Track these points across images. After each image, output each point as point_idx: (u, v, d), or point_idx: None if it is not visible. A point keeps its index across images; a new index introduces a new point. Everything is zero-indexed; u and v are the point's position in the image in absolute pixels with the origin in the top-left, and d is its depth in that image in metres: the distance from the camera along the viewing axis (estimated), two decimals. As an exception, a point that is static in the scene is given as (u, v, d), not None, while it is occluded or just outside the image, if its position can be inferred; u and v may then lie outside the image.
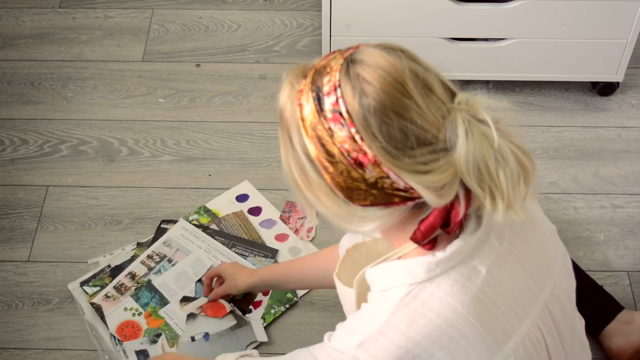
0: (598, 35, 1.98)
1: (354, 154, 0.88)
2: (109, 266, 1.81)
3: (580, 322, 1.32)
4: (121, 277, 1.77)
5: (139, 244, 1.84)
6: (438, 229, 0.93)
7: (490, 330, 0.96)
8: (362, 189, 0.90)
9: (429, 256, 0.95)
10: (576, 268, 1.70)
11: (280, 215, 1.91)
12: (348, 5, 1.93)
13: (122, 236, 1.88)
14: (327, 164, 0.90)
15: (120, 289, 1.75)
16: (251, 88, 2.19)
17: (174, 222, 1.88)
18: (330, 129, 0.88)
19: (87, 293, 1.76)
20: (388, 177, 0.88)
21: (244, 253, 1.83)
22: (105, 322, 1.70)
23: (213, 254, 1.82)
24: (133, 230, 1.89)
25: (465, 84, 2.18)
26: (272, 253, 1.83)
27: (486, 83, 2.18)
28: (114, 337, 1.70)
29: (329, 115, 0.88)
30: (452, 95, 0.91)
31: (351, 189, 0.90)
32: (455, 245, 0.95)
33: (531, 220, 1.04)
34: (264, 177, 1.99)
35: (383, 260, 1.01)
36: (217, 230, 1.88)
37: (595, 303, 1.67)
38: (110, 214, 1.93)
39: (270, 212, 1.92)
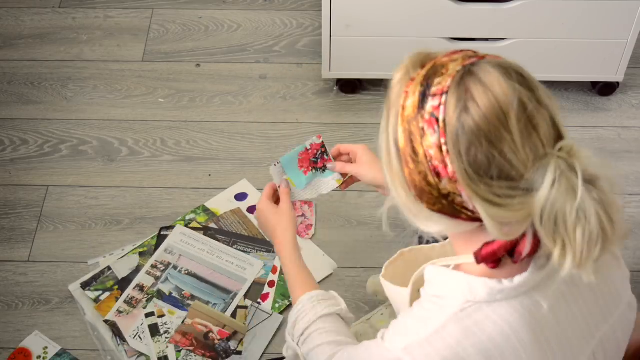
0: (598, 35, 1.98)
1: (435, 162, 0.88)
2: (108, 268, 1.81)
3: None
4: (130, 291, 1.76)
5: (141, 254, 1.83)
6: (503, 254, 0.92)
7: None
8: (434, 195, 0.90)
9: (495, 281, 0.94)
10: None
11: None
12: (348, 5, 1.93)
13: (122, 236, 1.88)
14: (409, 159, 0.90)
15: (131, 303, 1.74)
16: (251, 88, 2.19)
17: (173, 228, 1.88)
18: (423, 129, 0.88)
19: (90, 298, 1.76)
20: (460, 195, 0.88)
21: (245, 249, 1.84)
22: (125, 340, 1.69)
23: (217, 255, 1.82)
24: (133, 230, 1.89)
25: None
26: (273, 248, 1.84)
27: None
28: (116, 337, 1.70)
29: (426, 116, 0.88)
30: (559, 137, 0.88)
31: (424, 191, 0.91)
32: (523, 277, 0.93)
33: (602, 263, 1.00)
34: (263, 177, 1.99)
35: (445, 262, 1.00)
36: (217, 228, 1.88)
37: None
38: (110, 214, 1.93)
39: (270, 212, 1.92)
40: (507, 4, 1.92)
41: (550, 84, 2.17)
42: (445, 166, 0.87)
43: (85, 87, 2.19)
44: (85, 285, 1.78)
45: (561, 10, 1.93)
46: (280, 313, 1.75)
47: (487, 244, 0.92)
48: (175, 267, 1.80)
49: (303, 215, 1.91)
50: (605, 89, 2.14)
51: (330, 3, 1.92)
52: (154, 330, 1.70)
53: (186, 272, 1.79)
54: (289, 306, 1.76)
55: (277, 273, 1.80)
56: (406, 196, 0.93)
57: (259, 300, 1.76)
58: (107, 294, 1.76)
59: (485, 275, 0.95)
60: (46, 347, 1.69)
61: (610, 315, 1.02)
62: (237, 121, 2.12)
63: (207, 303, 1.74)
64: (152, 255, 1.82)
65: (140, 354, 1.67)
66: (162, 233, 1.86)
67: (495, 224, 0.87)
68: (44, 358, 1.68)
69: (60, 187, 1.98)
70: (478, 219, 0.90)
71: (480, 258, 0.93)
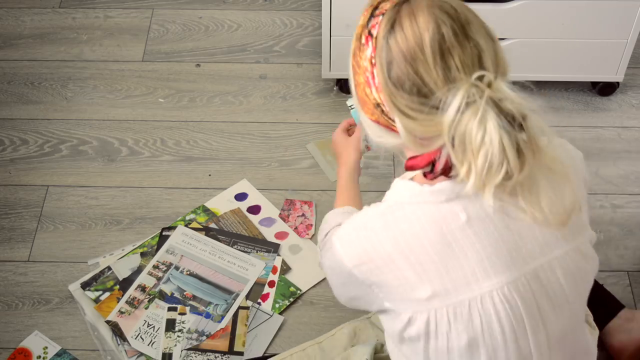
0: (598, 35, 1.98)
1: (367, 74, 1.01)
2: (108, 268, 1.81)
3: (593, 333, 1.30)
4: (131, 291, 1.76)
5: (142, 255, 1.83)
6: (428, 168, 1.01)
7: (448, 269, 1.01)
8: (370, 105, 1.03)
9: (417, 184, 1.04)
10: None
11: (280, 214, 1.91)
12: (348, 5, 1.93)
13: (122, 236, 1.88)
14: (356, 69, 1.04)
15: (133, 303, 1.74)
16: (251, 88, 2.19)
17: (175, 228, 1.88)
18: (364, 44, 1.02)
19: (89, 298, 1.76)
20: (384, 105, 1.00)
21: (246, 249, 1.84)
22: (127, 341, 1.69)
23: (219, 255, 1.82)
24: (133, 230, 1.89)
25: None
26: (274, 248, 1.84)
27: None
28: (116, 337, 1.70)
29: (366, 32, 1.02)
30: (483, 70, 0.96)
31: (365, 102, 1.04)
32: (443, 184, 1.01)
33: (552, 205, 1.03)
34: (263, 177, 1.99)
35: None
36: (217, 229, 1.88)
37: (596, 301, 1.67)
38: (110, 214, 1.93)
39: (269, 210, 1.92)
40: (507, 4, 1.92)
41: (550, 84, 2.18)
42: (374, 77, 1.00)
43: (85, 87, 2.20)
44: (85, 286, 1.78)
45: (561, 10, 1.93)
46: (280, 313, 1.75)
47: (412, 157, 1.02)
48: (177, 268, 1.80)
49: (303, 215, 1.91)
50: (606, 89, 2.14)
51: (330, 3, 1.92)
52: (170, 325, 1.71)
53: (188, 272, 1.79)
54: (289, 306, 1.76)
55: (277, 273, 1.81)
56: (359, 107, 1.07)
57: (259, 300, 1.76)
58: (107, 294, 1.76)
59: (417, 181, 1.05)
60: (46, 347, 1.70)
61: (549, 251, 1.06)
62: (237, 121, 2.12)
63: (209, 303, 1.74)
64: (153, 255, 1.82)
65: (141, 354, 1.67)
66: (163, 233, 1.86)
67: (409, 135, 0.99)
68: (44, 358, 1.68)
69: (60, 187, 1.98)
70: None
71: (406, 167, 1.03)
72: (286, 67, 2.24)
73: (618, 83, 2.13)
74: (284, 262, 1.83)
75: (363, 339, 1.57)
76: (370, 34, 1.01)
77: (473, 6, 2.02)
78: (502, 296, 1.02)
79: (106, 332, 1.71)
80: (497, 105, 0.92)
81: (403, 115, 0.98)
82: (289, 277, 1.81)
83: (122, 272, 1.80)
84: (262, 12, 2.39)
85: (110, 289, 1.77)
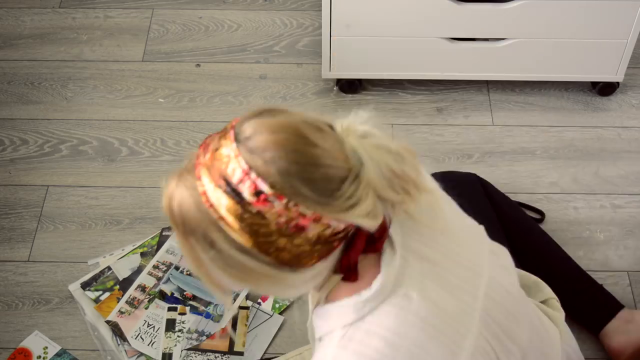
0: (598, 35, 1.98)
1: (292, 223, 0.87)
2: (108, 268, 1.81)
3: (557, 315, 1.32)
4: (131, 291, 1.76)
5: (142, 255, 1.83)
6: (360, 255, 0.95)
7: (432, 353, 0.96)
8: (307, 250, 0.89)
9: (355, 296, 0.95)
10: (576, 267, 1.70)
11: None
12: (348, 5, 1.93)
13: (122, 236, 1.88)
14: (266, 246, 0.88)
15: (133, 303, 1.74)
16: (251, 88, 2.19)
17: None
18: (259, 212, 0.86)
19: (89, 298, 1.76)
20: (329, 226, 0.88)
21: None
22: (127, 341, 1.69)
23: None
24: (133, 230, 1.89)
25: (465, 84, 2.18)
26: None
27: (486, 83, 2.18)
28: (116, 337, 1.70)
29: (252, 199, 0.86)
30: (330, 126, 0.92)
31: (298, 256, 0.89)
32: (379, 280, 0.95)
33: (444, 230, 1.03)
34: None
35: (317, 303, 1.02)
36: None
37: (595, 302, 1.67)
38: (110, 214, 1.93)
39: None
40: (507, 4, 1.92)
41: (550, 84, 2.18)
42: (304, 216, 0.86)
43: (85, 87, 2.20)
44: (85, 286, 1.78)
45: (561, 10, 1.93)
46: (280, 313, 1.75)
47: (343, 257, 0.94)
48: (177, 268, 1.80)
49: None
50: (605, 89, 2.14)
51: (330, 3, 1.92)
52: (170, 325, 1.71)
53: (188, 272, 1.79)
54: (289, 306, 1.76)
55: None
56: (279, 281, 0.92)
57: (259, 300, 1.76)
58: (107, 294, 1.76)
59: (348, 295, 0.96)
60: (46, 347, 1.70)
61: (482, 269, 1.05)
62: (237, 121, 2.12)
63: (209, 303, 1.74)
64: (153, 255, 1.82)
65: (141, 354, 1.67)
66: (163, 233, 1.86)
67: (369, 219, 0.89)
68: (44, 358, 1.68)
69: (60, 187, 1.98)
70: (346, 235, 0.91)
71: (345, 264, 0.94)
72: (286, 67, 2.24)
73: (618, 83, 2.13)
74: None
75: None
76: (258, 194, 0.86)
77: (473, 6, 2.04)
78: (482, 348, 1.01)
79: (106, 332, 1.71)
80: (366, 133, 0.92)
81: (353, 209, 0.88)
82: (289, 277, 1.81)
83: (122, 272, 1.80)
84: (262, 12, 2.39)
85: (110, 289, 1.77)
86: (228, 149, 0.88)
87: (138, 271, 1.80)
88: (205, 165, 0.89)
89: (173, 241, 1.84)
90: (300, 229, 0.87)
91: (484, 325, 1.02)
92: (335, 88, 2.18)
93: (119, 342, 1.69)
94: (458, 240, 1.05)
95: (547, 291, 1.40)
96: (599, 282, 1.72)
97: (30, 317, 1.76)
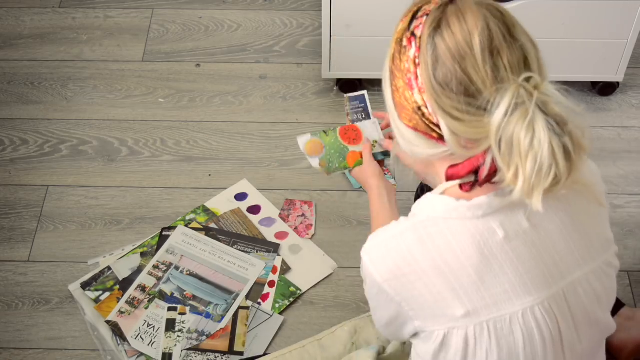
0: (598, 35, 1.98)
1: (409, 75, 0.97)
2: (108, 268, 1.80)
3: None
4: (131, 291, 1.76)
5: (142, 255, 1.83)
6: (471, 176, 0.98)
7: (488, 286, 0.99)
8: (409, 109, 0.98)
9: (453, 199, 1.00)
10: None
11: (280, 214, 1.91)
12: (348, 5, 1.93)
13: (122, 236, 1.88)
14: (396, 72, 0.99)
15: (133, 303, 1.74)
16: (251, 88, 2.19)
17: (175, 228, 1.87)
18: (405, 46, 0.98)
19: (89, 298, 1.76)
20: (427, 107, 0.96)
21: (246, 249, 1.84)
22: (127, 341, 1.69)
23: (219, 255, 1.82)
24: (133, 230, 1.89)
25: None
26: (274, 248, 1.84)
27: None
28: (116, 337, 1.70)
29: (408, 34, 0.98)
30: (529, 72, 0.93)
31: (403, 107, 0.99)
32: (480, 199, 0.99)
33: (575, 219, 1.04)
34: (263, 177, 1.99)
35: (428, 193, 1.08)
36: (217, 229, 1.88)
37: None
38: (110, 214, 1.93)
39: (269, 210, 1.92)
40: (507, 4, 1.92)
41: (550, 84, 2.17)
42: (417, 77, 0.96)
43: (85, 87, 2.20)
44: (85, 286, 1.78)
45: (561, 10, 1.93)
46: (280, 313, 1.75)
47: (453, 165, 0.99)
48: (177, 268, 1.80)
49: (303, 215, 1.91)
50: (606, 89, 2.14)
51: (330, 3, 1.92)
52: (170, 325, 1.71)
53: (188, 272, 1.79)
54: (289, 306, 1.76)
55: (277, 273, 1.80)
56: (394, 116, 1.02)
57: (259, 300, 1.76)
58: (107, 294, 1.76)
59: (451, 195, 1.01)
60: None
61: (585, 264, 1.05)
62: (237, 121, 2.12)
63: (209, 303, 1.74)
64: (153, 255, 1.82)
65: (141, 354, 1.67)
66: (163, 234, 1.86)
67: (455, 138, 0.94)
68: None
69: (60, 187, 1.98)
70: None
71: (446, 176, 1.00)
72: (286, 67, 2.24)
73: (618, 83, 2.13)
74: (284, 262, 1.83)
75: (363, 337, 1.57)
76: (413, 34, 0.97)
77: (473, 6, 2.02)
78: (544, 310, 1.01)
79: (106, 332, 1.71)
80: (545, 108, 0.90)
81: (449, 117, 0.94)
82: (289, 277, 1.81)
83: (122, 272, 1.80)
84: (262, 12, 2.39)
85: (110, 289, 1.77)
86: None
87: (138, 271, 1.80)
88: None
89: (173, 241, 1.84)
90: (411, 86, 0.97)
91: (555, 300, 1.02)
92: (335, 88, 2.18)
93: (119, 342, 1.69)
94: (582, 233, 1.05)
95: None
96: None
97: (30, 317, 1.76)
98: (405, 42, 0.98)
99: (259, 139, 2.08)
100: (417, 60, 0.96)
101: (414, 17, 0.98)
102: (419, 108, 0.97)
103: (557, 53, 2.03)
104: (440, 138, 0.97)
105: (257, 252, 1.84)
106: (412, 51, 0.96)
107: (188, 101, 2.16)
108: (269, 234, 1.88)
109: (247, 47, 2.30)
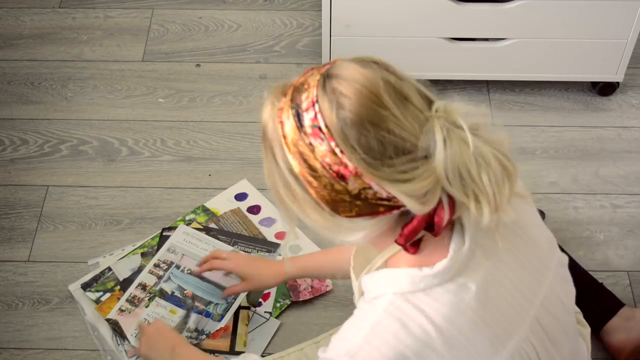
0: (598, 35, 1.98)
1: (335, 167, 0.89)
2: (109, 269, 1.80)
3: (584, 331, 1.31)
4: (132, 290, 1.76)
5: (143, 255, 1.83)
6: (421, 231, 0.94)
7: (475, 344, 0.97)
8: (347, 200, 0.91)
9: (416, 269, 0.96)
10: (577, 266, 1.70)
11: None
12: (348, 5, 1.93)
13: (122, 236, 1.88)
14: (310, 178, 0.91)
15: (133, 302, 1.74)
16: (251, 88, 2.19)
17: (175, 228, 1.87)
18: (311, 144, 0.90)
19: (90, 298, 1.76)
20: (370, 187, 0.89)
21: (246, 249, 1.84)
22: (127, 339, 1.69)
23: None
24: (133, 230, 1.89)
25: (465, 84, 2.18)
26: (274, 247, 1.84)
27: (486, 83, 2.18)
28: (116, 337, 1.70)
29: (308, 130, 0.90)
30: (430, 103, 0.92)
31: (336, 202, 0.91)
32: (443, 263, 0.95)
33: (520, 232, 1.03)
34: (263, 177, 1.99)
35: (373, 265, 1.03)
36: (217, 228, 1.88)
37: (596, 300, 1.67)
38: (110, 214, 1.93)
39: (269, 210, 1.92)
40: (507, 4, 1.92)
41: (550, 84, 2.18)
42: (346, 166, 0.89)
43: (85, 87, 2.20)
44: (85, 286, 1.78)
45: (561, 10, 1.93)
46: (281, 313, 1.75)
47: (406, 224, 0.93)
48: (177, 267, 1.80)
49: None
50: (606, 89, 2.14)
51: (330, 3, 1.92)
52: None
53: (189, 271, 1.79)
54: (290, 306, 1.76)
55: (278, 273, 1.80)
56: (320, 216, 0.94)
57: (260, 300, 1.75)
58: (107, 294, 1.76)
59: (409, 266, 0.97)
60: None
61: (545, 278, 1.05)
62: (237, 121, 2.12)
63: (209, 303, 1.74)
64: (154, 256, 1.82)
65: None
66: (164, 234, 1.86)
67: (412, 199, 0.89)
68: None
69: (60, 187, 1.98)
70: (395, 207, 0.91)
71: (403, 238, 0.94)
72: (286, 67, 2.24)
73: (618, 83, 2.13)
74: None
75: None
76: (315, 127, 0.89)
77: (473, 6, 2.04)
78: (524, 351, 1.01)
79: (106, 332, 1.71)
80: (465, 124, 0.88)
81: (399, 183, 0.88)
82: (289, 277, 1.81)
83: (123, 273, 1.80)
84: (262, 12, 2.39)
85: (111, 290, 1.77)
86: (314, 78, 0.92)
87: (138, 271, 1.80)
88: (294, 86, 0.94)
89: (174, 240, 1.84)
90: (341, 177, 0.89)
91: (532, 332, 1.02)
92: (335, 88, 2.18)
93: (119, 342, 1.69)
94: (530, 245, 1.04)
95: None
96: (599, 281, 1.72)
97: (30, 317, 1.76)
98: (309, 140, 0.90)
99: (259, 139, 2.07)
100: (336, 150, 0.88)
101: (298, 113, 0.91)
102: (360, 193, 0.90)
103: (557, 53, 2.03)
104: (388, 209, 0.91)
105: (257, 252, 1.83)
106: (325, 144, 0.88)
107: (188, 101, 2.16)
108: (269, 234, 1.88)
109: (247, 47, 2.30)
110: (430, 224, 0.93)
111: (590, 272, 1.74)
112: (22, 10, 2.40)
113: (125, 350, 1.68)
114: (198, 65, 2.25)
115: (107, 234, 1.89)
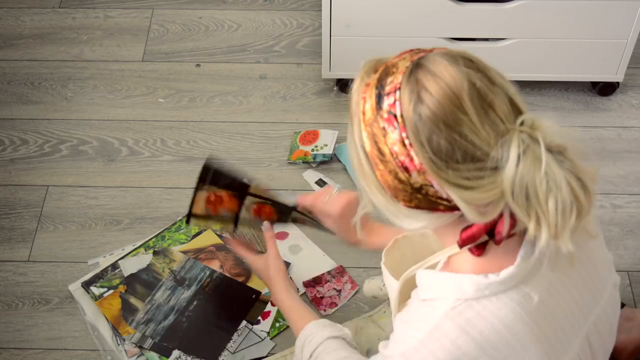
0: (598, 35, 1.98)
1: (401, 158, 0.89)
2: (113, 267, 1.80)
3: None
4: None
5: (155, 253, 1.82)
6: (483, 236, 0.93)
7: (531, 355, 0.96)
8: (408, 191, 0.91)
9: (481, 277, 0.94)
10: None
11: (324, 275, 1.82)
12: (348, 5, 1.93)
13: (122, 236, 1.88)
14: (378, 161, 0.92)
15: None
16: (251, 88, 2.19)
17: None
18: (384, 128, 0.90)
19: (93, 294, 1.76)
20: (432, 185, 0.89)
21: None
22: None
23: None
24: (133, 230, 1.89)
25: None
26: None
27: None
28: (116, 337, 1.70)
29: (385, 115, 0.90)
30: (519, 113, 0.89)
31: (398, 190, 0.92)
32: (509, 270, 0.94)
33: (584, 247, 1.02)
34: (263, 177, 1.99)
35: (433, 263, 1.01)
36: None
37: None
38: (110, 214, 1.93)
39: (270, 212, 1.92)
40: (507, 4, 1.92)
41: (550, 84, 2.18)
42: (412, 159, 0.89)
43: (85, 87, 2.20)
44: (89, 283, 1.77)
45: (561, 10, 1.93)
46: (276, 335, 1.71)
47: (465, 228, 0.93)
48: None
49: (339, 291, 1.85)
50: (606, 89, 2.14)
51: (330, 3, 1.92)
52: None
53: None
54: (288, 327, 1.74)
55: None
56: (383, 198, 0.94)
57: (259, 318, 1.73)
58: (111, 291, 1.76)
59: (473, 272, 0.95)
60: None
61: (601, 298, 1.04)
62: (237, 121, 2.12)
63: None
64: (165, 255, 1.81)
65: (141, 354, 1.67)
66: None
67: (471, 207, 0.88)
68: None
69: (60, 187, 1.98)
70: (455, 208, 0.91)
71: (460, 242, 0.94)
72: (286, 67, 2.24)
73: (618, 83, 2.13)
74: (285, 264, 1.81)
75: (364, 337, 1.57)
76: (391, 114, 0.89)
77: (473, 6, 2.04)
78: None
79: (106, 332, 1.71)
80: (548, 144, 0.86)
81: (461, 189, 0.87)
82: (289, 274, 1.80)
83: (130, 271, 1.80)
84: (262, 12, 2.39)
85: (115, 287, 1.77)
86: (404, 63, 0.92)
87: (146, 269, 1.79)
88: (386, 65, 0.93)
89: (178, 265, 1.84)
90: (406, 168, 0.89)
91: (582, 348, 1.02)
92: (335, 88, 2.18)
93: (119, 342, 1.69)
94: (592, 262, 1.03)
95: None
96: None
97: (30, 317, 1.76)
98: (383, 124, 0.90)
99: (259, 139, 2.08)
100: (406, 142, 0.89)
101: (379, 94, 0.91)
102: (421, 188, 0.90)
103: (557, 53, 2.03)
104: (448, 209, 0.91)
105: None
106: (397, 132, 0.89)
107: (188, 101, 2.16)
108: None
109: (247, 47, 2.30)
110: (491, 231, 0.92)
111: (590, 272, 1.74)
112: (22, 10, 2.40)
113: (125, 350, 1.68)
114: (198, 65, 2.25)
115: (107, 234, 1.89)
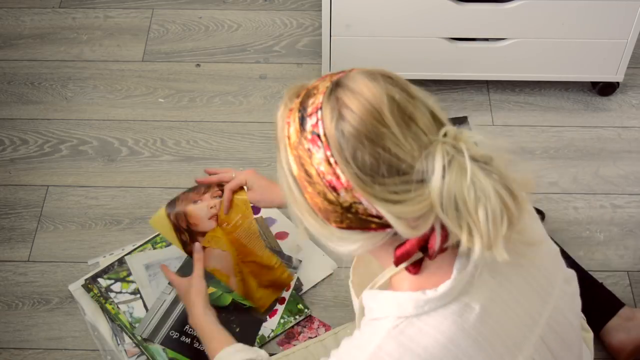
0: (598, 35, 1.98)
1: (328, 177, 0.89)
2: (119, 262, 1.80)
3: (587, 335, 1.30)
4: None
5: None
6: (418, 253, 0.93)
7: None
8: (338, 211, 0.90)
9: (419, 293, 0.94)
10: (577, 267, 1.70)
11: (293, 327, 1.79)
12: (348, 5, 1.93)
13: (122, 236, 1.88)
14: (306, 183, 0.91)
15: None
16: (251, 88, 2.19)
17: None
18: (309, 149, 0.89)
19: (100, 285, 1.76)
20: (361, 202, 0.89)
21: None
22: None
23: None
24: (133, 230, 1.89)
25: (465, 84, 2.18)
26: (287, 260, 1.82)
27: (486, 83, 2.18)
28: (116, 337, 1.70)
29: (308, 136, 0.89)
30: (441, 125, 0.90)
31: (328, 211, 0.91)
32: (447, 285, 0.94)
33: (525, 249, 1.00)
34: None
35: (376, 283, 1.01)
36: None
37: (596, 300, 1.67)
38: (110, 214, 1.93)
39: (269, 210, 1.92)
40: (507, 4, 1.92)
41: (550, 84, 2.18)
42: (338, 177, 0.88)
43: (85, 87, 2.20)
44: (95, 277, 1.77)
45: (561, 10, 1.93)
46: (281, 333, 1.71)
47: (399, 246, 0.92)
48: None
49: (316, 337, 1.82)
50: (606, 89, 2.14)
51: (330, 3, 1.92)
52: None
53: None
54: (295, 325, 1.75)
55: (290, 290, 1.77)
56: (315, 222, 0.94)
57: (267, 316, 1.73)
58: (119, 283, 1.76)
59: (411, 289, 0.95)
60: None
61: (549, 297, 1.03)
62: (237, 121, 2.12)
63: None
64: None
65: (141, 354, 1.67)
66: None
67: (402, 222, 0.88)
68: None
69: (60, 187, 1.98)
70: (387, 225, 0.90)
71: (395, 260, 0.93)
72: (286, 67, 2.24)
73: (618, 83, 2.13)
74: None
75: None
76: (315, 134, 0.89)
77: (473, 6, 2.04)
78: None
79: (106, 332, 1.71)
80: (472, 154, 0.86)
81: (389, 204, 0.87)
82: (289, 276, 1.80)
83: (136, 267, 1.80)
84: (262, 12, 2.39)
85: (123, 279, 1.77)
86: (324, 84, 0.92)
87: (152, 266, 1.79)
88: (307, 89, 0.94)
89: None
90: (333, 188, 0.89)
91: (537, 351, 1.01)
92: (335, 88, 2.18)
93: (119, 342, 1.69)
94: (536, 263, 1.03)
95: None
96: (599, 281, 1.72)
97: (30, 317, 1.76)
98: (308, 145, 0.89)
99: (259, 139, 2.08)
100: (331, 160, 0.88)
101: (303, 117, 0.90)
102: (351, 206, 0.89)
103: (557, 53, 2.03)
104: (380, 226, 0.90)
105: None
106: (321, 152, 0.88)
107: (188, 101, 2.16)
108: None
109: (247, 47, 2.30)
110: (424, 247, 0.91)
111: (590, 272, 1.74)
112: (22, 10, 2.40)
113: (125, 350, 1.68)
114: (198, 65, 2.25)
115: (107, 234, 1.89)
